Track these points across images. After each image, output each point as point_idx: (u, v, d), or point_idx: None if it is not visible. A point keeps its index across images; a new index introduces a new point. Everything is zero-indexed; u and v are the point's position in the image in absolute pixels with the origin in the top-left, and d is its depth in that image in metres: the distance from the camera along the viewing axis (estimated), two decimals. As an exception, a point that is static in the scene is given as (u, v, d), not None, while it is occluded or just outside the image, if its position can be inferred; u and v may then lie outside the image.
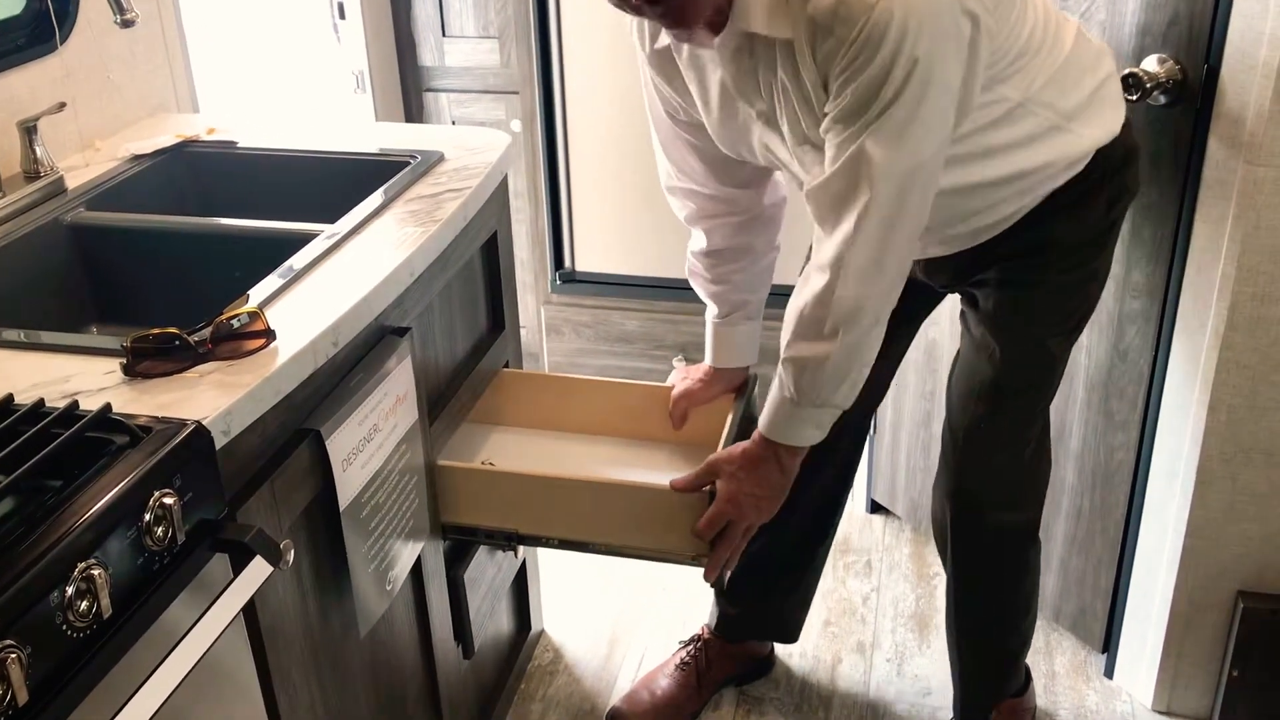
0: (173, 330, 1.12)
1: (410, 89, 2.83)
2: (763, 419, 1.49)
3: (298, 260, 1.35)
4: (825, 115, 1.31)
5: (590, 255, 2.78)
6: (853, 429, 1.70)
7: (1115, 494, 1.94)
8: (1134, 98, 1.62)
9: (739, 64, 1.39)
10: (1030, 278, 1.56)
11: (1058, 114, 1.44)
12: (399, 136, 1.87)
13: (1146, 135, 1.66)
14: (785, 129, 1.41)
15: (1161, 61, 1.62)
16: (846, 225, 1.33)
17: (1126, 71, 1.63)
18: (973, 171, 1.44)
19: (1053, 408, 1.97)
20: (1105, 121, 1.49)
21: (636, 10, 1.30)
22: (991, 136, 1.42)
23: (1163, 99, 1.63)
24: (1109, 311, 1.83)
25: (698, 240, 1.71)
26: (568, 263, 2.80)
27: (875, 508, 2.52)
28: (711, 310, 1.76)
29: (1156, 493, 1.85)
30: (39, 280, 1.50)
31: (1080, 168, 1.48)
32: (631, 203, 2.68)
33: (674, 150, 1.65)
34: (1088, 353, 1.89)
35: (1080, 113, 1.46)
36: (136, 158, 1.71)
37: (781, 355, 1.44)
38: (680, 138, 1.62)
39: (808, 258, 1.59)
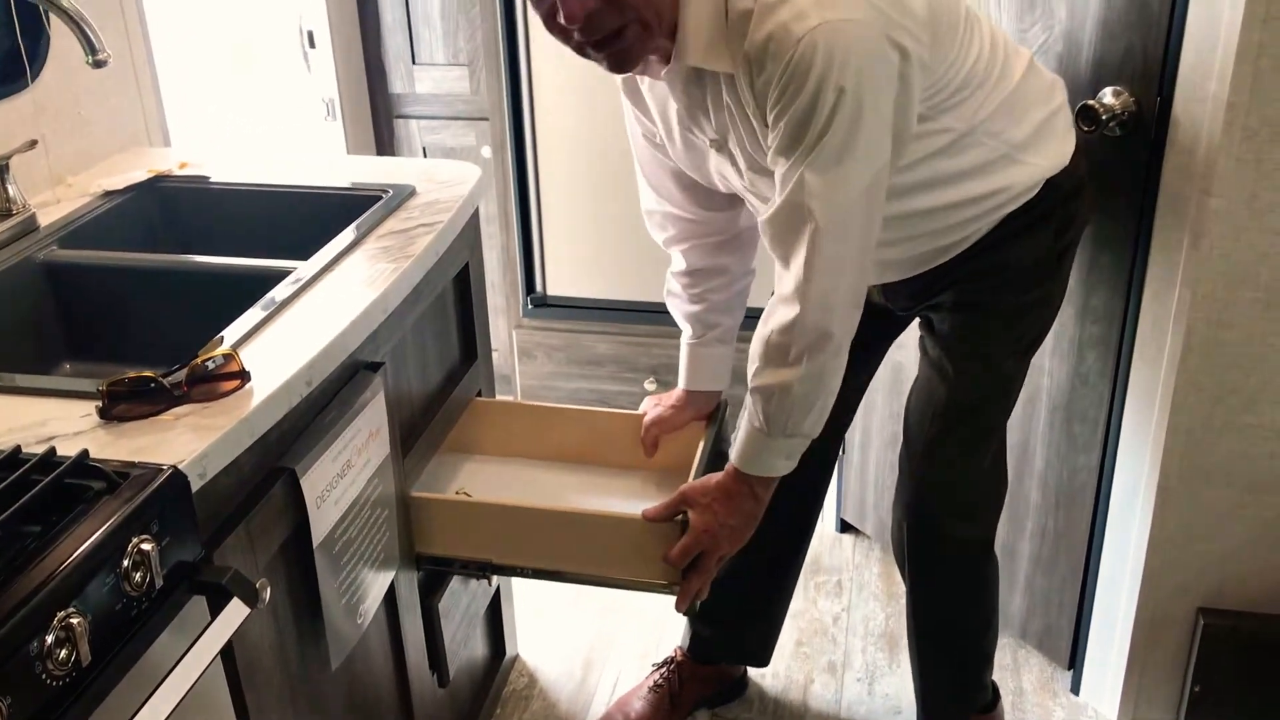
0: (148, 373, 1.14)
1: (381, 116, 2.85)
2: (734, 451, 1.52)
3: (271, 299, 1.36)
4: (769, 147, 1.36)
5: (561, 279, 2.80)
6: (819, 454, 1.72)
7: (1078, 514, 1.97)
8: (1090, 129, 1.67)
9: (690, 95, 1.43)
10: (983, 301, 1.60)
11: (1006, 144, 1.49)
12: (370, 170, 1.89)
13: (1103, 165, 1.70)
14: (738, 156, 1.46)
15: (1117, 94, 1.67)
16: (799, 256, 1.37)
17: (1083, 103, 1.67)
18: (924, 198, 1.49)
19: (1017, 430, 2.02)
20: (1055, 152, 1.54)
21: (581, 52, 1.34)
22: (940, 164, 1.47)
23: (1118, 130, 1.68)
24: (1070, 336, 1.87)
25: (676, 262, 1.75)
26: (539, 287, 2.82)
27: (845, 527, 2.55)
28: (686, 332, 1.79)
29: (1118, 512, 1.89)
30: (10, 319, 1.51)
31: (1030, 196, 1.53)
32: (602, 227, 2.70)
33: (652, 173, 1.68)
34: (1050, 376, 1.93)
35: (1030, 143, 1.51)
36: (109, 194, 1.72)
37: (750, 385, 1.47)
38: (658, 161, 1.66)
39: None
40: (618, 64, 1.37)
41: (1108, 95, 1.68)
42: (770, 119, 1.33)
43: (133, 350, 1.54)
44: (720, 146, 1.48)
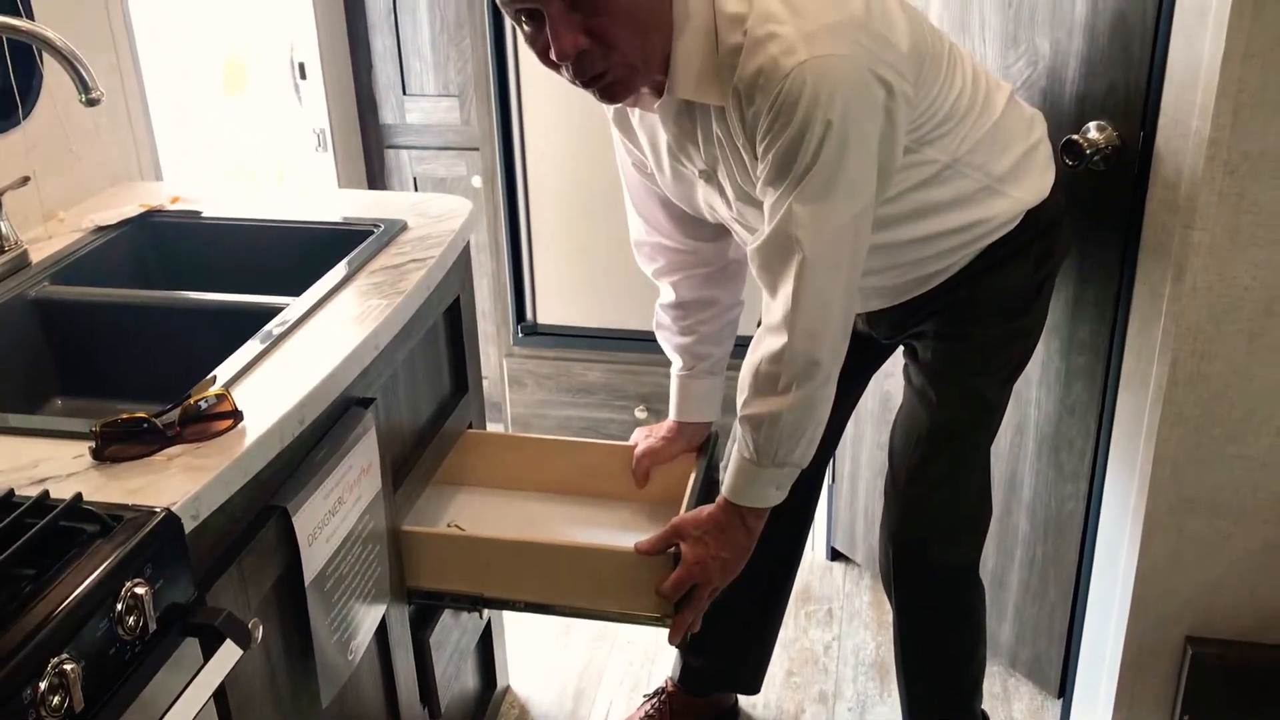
0: (141, 414, 1.14)
1: (372, 146, 2.87)
2: (726, 483, 1.53)
3: (263, 336, 1.37)
4: (758, 178, 1.38)
5: (552, 308, 2.81)
6: (806, 482, 1.74)
7: (1067, 543, 1.98)
8: (1075, 163, 1.69)
9: (680, 126, 1.45)
10: (964, 331, 1.63)
11: (988, 176, 1.52)
12: (362, 203, 1.90)
13: (1088, 199, 1.72)
14: (726, 186, 1.48)
15: (1101, 129, 1.69)
16: (786, 285, 1.39)
17: (1067, 138, 1.69)
18: (907, 229, 1.51)
19: (1005, 460, 2.03)
20: (1035, 184, 1.57)
21: (574, 83, 1.37)
22: (923, 195, 1.49)
23: (1102, 164, 1.69)
24: (1056, 368, 1.89)
25: (665, 294, 1.76)
26: (529, 315, 2.83)
27: (835, 555, 2.55)
28: (676, 364, 1.80)
29: (1106, 541, 1.90)
30: (1, 356, 1.51)
31: (1011, 227, 1.55)
32: (592, 255, 2.72)
33: (642, 204, 1.70)
34: (1037, 406, 1.95)
35: (1011, 175, 1.54)
36: (100, 229, 1.73)
37: (739, 414, 1.48)
38: (648, 190, 1.67)
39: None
40: (609, 97, 1.39)
41: (1091, 130, 1.70)
42: (759, 150, 1.35)
43: (124, 386, 1.54)
44: (709, 177, 1.50)
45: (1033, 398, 1.95)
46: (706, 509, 1.55)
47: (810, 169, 1.31)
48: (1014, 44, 1.80)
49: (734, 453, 1.52)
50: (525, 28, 1.34)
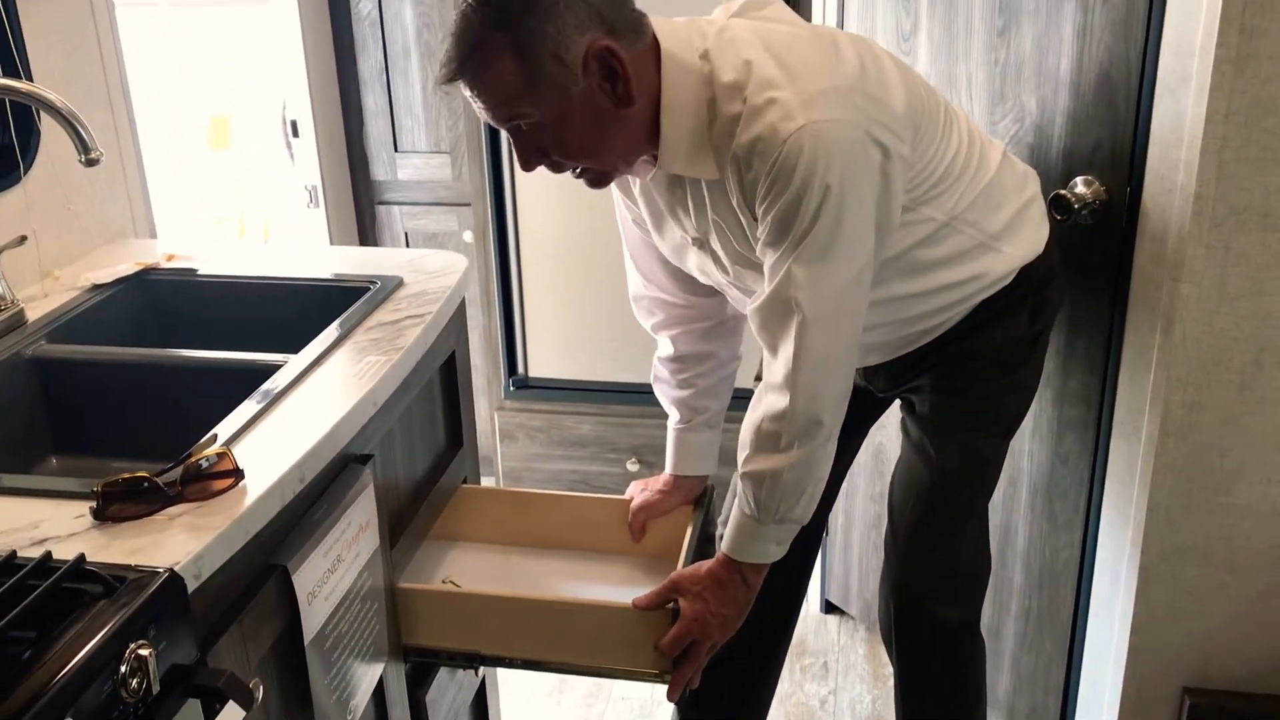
0: (142, 474, 1.14)
1: (363, 203, 2.89)
2: (726, 539, 1.53)
3: (261, 394, 1.37)
4: (758, 239, 1.39)
5: (543, 361, 2.82)
6: (804, 537, 1.75)
7: (1062, 594, 1.99)
8: (1064, 217, 1.71)
9: (673, 193, 1.48)
10: (960, 385, 1.64)
11: (983, 233, 1.54)
12: (357, 260, 1.91)
13: (1077, 252, 1.75)
14: (720, 253, 1.49)
15: (1088, 184, 1.72)
16: (787, 346, 1.40)
17: (1055, 193, 1.72)
18: (903, 285, 1.53)
19: (1000, 511, 2.04)
20: (1030, 240, 1.59)
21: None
22: (921, 253, 1.51)
23: (1090, 219, 1.72)
24: (1049, 418, 1.90)
25: (664, 347, 1.77)
26: (521, 369, 2.84)
27: (830, 608, 2.55)
28: (674, 417, 1.80)
29: (1102, 592, 1.91)
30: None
31: (1006, 283, 1.57)
32: (584, 308, 2.73)
33: (641, 259, 1.71)
34: (1030, 457, 1.96)
35: (1006, 232, 1.56)
36: (96, 287, 1.73)
37: (740, 471, 1.48)
38: (647, 245, 1.69)
39: (758, 376, 1.66)
40: (593, 186, 1.44)
41: (1079, 185, 1.73)
42: (759, 214, 1.37)
43: (120, 445, 1.54)
44: (701, 244, 1.52)
45: (1025, 449, 1.96)
46: (705, 564, 1.55)
47: (809, 232, 1.33)
48: (1000, 100, 1.83)
49: (734, 509, 1.52)
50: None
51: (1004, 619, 2.11)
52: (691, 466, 1.80)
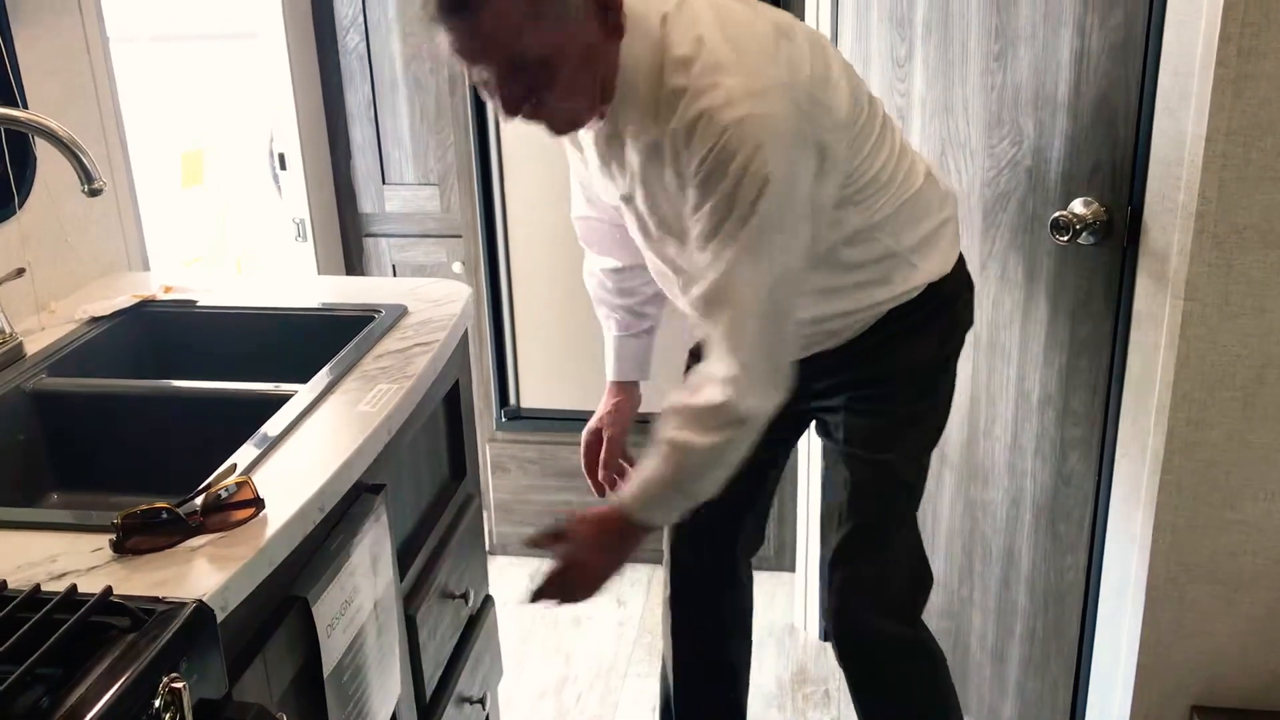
0: (162, 504, 1.12)
1: (350, 235, 2.87)
2: (630, 497, 1.48)
3: (276, 423, 1.35)
4: (693, 225, 1.39)
5: (535, 391, 2.80)
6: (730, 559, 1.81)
7: (1067, 615, 1.99)
8: (1065, 239, 1.73)
9: (609, 147, 1.49)
10: (875, 408, 1.68)
11: (899, 244, 1.58)
12: (357, 289, 1.90)
13: (1077, 272, 1.76)
14: (645, 212, 1.50)
15: (1087, 204, 1.73)
16: (723, 336, 1.40)
17: (1056, 214, 1.73)
18: (821, 279, 1.54)
19: (1002, 533, 2.04)
20: (941, 258, 1.64)
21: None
22: (841, 252, 1.55)
23: (1091, 239, 1.74)
24: (1051, 439, 1.91)
25: (604, 261, 1.80)
26: (512, 399, 2.82)
27: (829, 635, 2.53)
28: (612, 329, 1.84)
29: (1108, 612, 1.91)
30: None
31: (913, 296, 1.61)
32: (575, 338, 2.72)
33: (586, 186, 1.73)
34: (1033, 478, 1.96)
35: (920, 246, 1.61)
36: (95, 320, 1.71)
37: (664, 436, 1.44)
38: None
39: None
40: (556, 133, 1.42)
41: (1078, 205, 1.74)
42: (694, 201, 1.37)
43: (124, 479, 1.51)
44: (628, 201, 1.53)
45: (1028, 469, 1.96)
46: (596, 511, 1.51)
47: (745, 224, 1.33)
48: (998, 124, 1.85)
49: (647, 470, 1.47)
50: (473, 77, 1.36)
51: (1009, 642, 2.10)
52: (632, 372, 1.84)
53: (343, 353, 1.55)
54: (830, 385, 1.67)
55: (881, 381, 1.66)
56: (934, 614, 2.21)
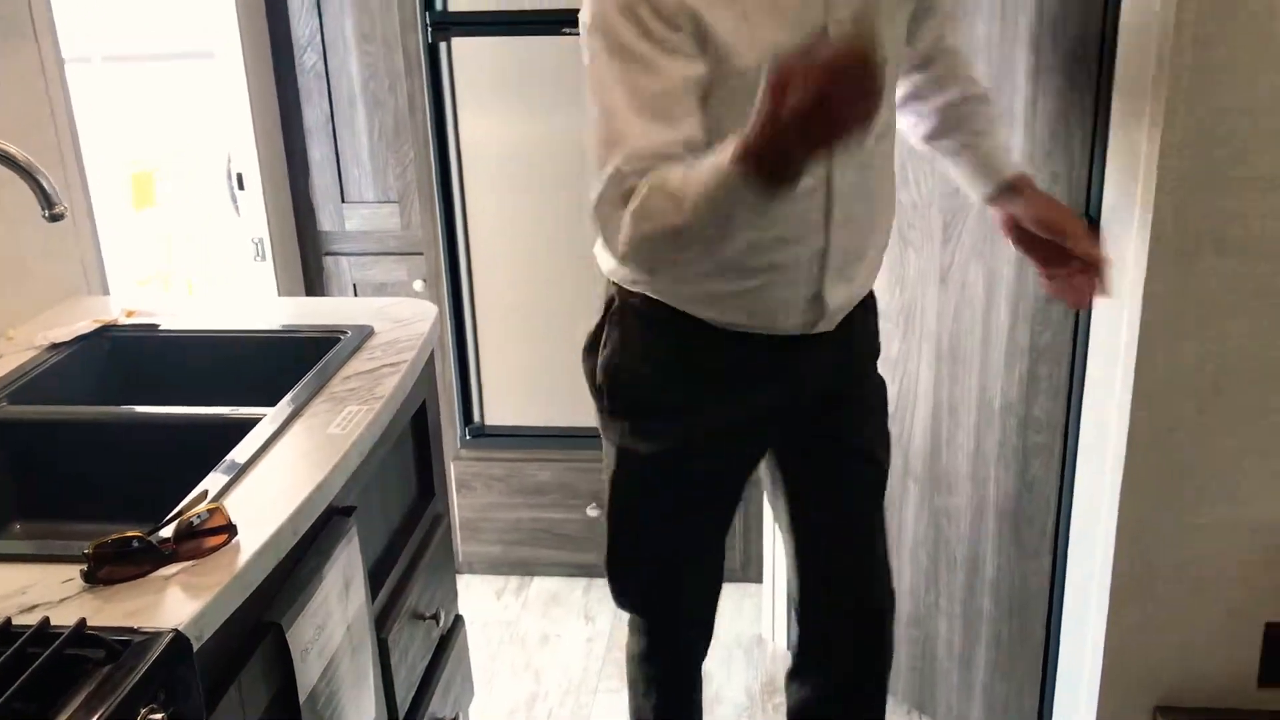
0: (133, 533, 1.11)
1: (309, 254, 2.85)
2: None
3: (245, 447, 1.34)
4: None
5: (500, 408, 2.80)
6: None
7: (1033, 620, 2.01)
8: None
9: None
10: (875, 394, 1.71)
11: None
12: (322, 310, 1.89)
13: (1038, 281, 1.79)
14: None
15: (1045, 216, 1.76)
16: None
17: (1015, 226, 1.76)
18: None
19: (965, 540, 2.07)
20: None
21: None
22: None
23: (1049, 250, 1.76)
24: (1013, 445, 1.93)
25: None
26: (477, 417, 2.81)
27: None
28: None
29: (1073, 616, 1.94)
30: (-39, 480, 1.46)
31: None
32: (540, 353, 2.72)
33: None
34: (996, 484, 1.99)
35: None
36: (55, 346, 1.68)
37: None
38: None
39: None
40: None
41: (1036, 217, 1.77)
42: None
43: (90, 508, 1.48)
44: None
45: (991, 476, 1.99)
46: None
47: None
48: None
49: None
50: None
51: (975, 647, 2.13)
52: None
53: (310, 375, 1.54)
54: (840, 367, 1.60)
55: (874, 358, 1.69)
56: (901, 622, 2.23)
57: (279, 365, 1.62)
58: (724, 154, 1.20)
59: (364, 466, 1.45)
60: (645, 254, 1.34)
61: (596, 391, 1.63)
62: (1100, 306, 1.74)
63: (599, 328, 1.59)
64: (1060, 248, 1.53)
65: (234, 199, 2.71)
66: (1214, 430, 1.70)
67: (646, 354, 1.56)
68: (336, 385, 1.53)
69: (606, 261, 1.55)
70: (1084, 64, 1.68)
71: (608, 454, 1.68)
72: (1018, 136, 1.78)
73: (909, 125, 1.65)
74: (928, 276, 1.99)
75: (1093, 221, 1.72)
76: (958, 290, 1.95)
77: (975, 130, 1.59)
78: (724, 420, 1.58)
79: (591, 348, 1.61)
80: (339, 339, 1.67)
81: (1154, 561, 1.80)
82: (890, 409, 1.74)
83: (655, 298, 1.52)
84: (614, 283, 1.56)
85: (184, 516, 1.13)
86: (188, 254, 3.24)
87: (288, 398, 1.48)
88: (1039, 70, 1.74)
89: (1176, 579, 1.81)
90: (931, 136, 1.63)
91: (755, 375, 1.55)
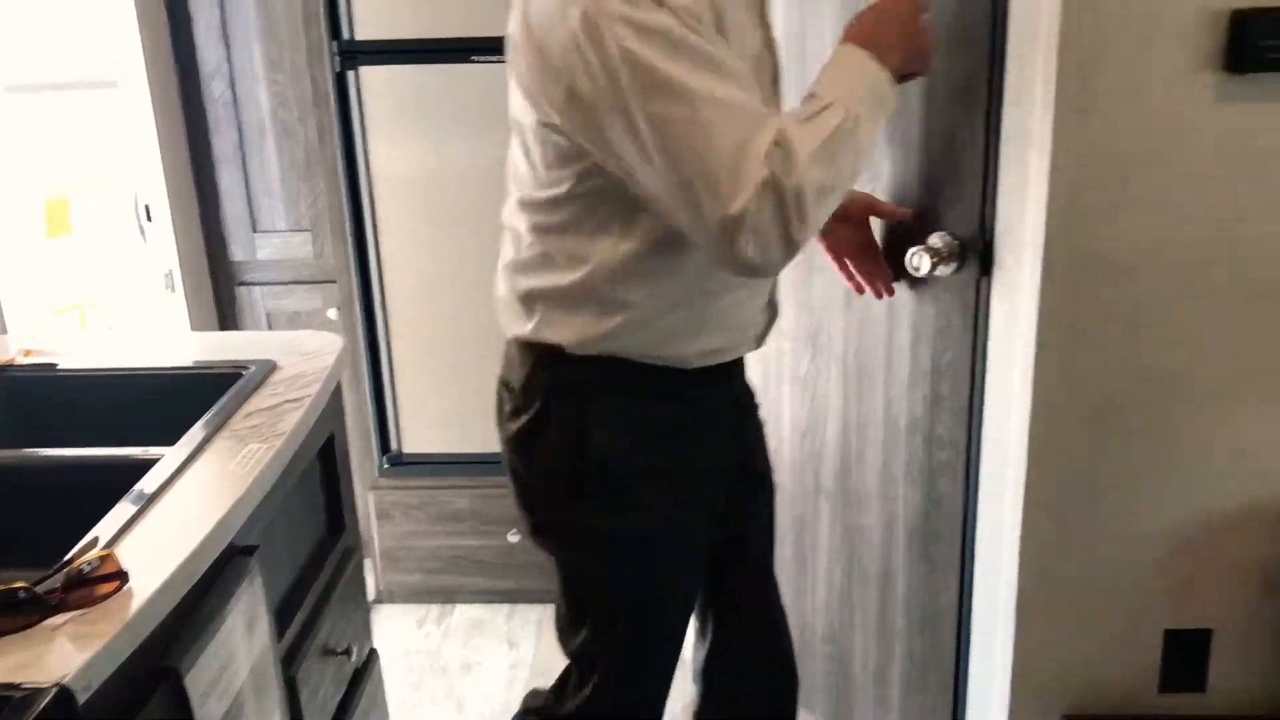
0: (19, 584, 1.08)
1: (221, 284, 2.82)
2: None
3: (142, 489, 1.33)
4: None
5: (417, 437, 2.79)
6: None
7: (944, 634, 2.05)
8: (922, 271, 1.79)
9: None
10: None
11: None
12: (226, 345, 1.87)
13: (937, 302, 1.83)
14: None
15: (943, 238, 1.80)
16: None
17: (913, 249, 1.80)
18: None
19: (877, 557, 2.10)
20: None
21: None
22: None
23: (948, 270, 1.80)
24: (920, 463, 1.97)
25: None
26: (394, 445, 2.80)
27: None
28: None
29: (982, 629, 1.97)
30: None
31: None
32: (457, 380, 2.72)
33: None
34: (904, 502, 2.02)
35: None
36: (-52, 388, 1.65)
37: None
38: None
39: None
40: None
41: (934, 239, 1.81)
42: None
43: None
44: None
45: (900, 494, 2.02)
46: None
47: None
48: (856, 163, 1.91)
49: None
50: None
51: (889, 663, 2.16)
52: None
53: (210, 413, 1.53)
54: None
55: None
56: (817, 639, 2.25)
57: (180, 404, 1.60)
58: (853, 63, 1.39)
59: (266, 504, 1.43)
60: (831, 196, 1.33)
61: (547, 478, 1.52)
62: (997, 325, 1.79)
63: (533, 412, 1.47)
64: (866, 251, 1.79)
65: (141, 230, 2.68)
66: (1108, 445, 1.75)
67: (617, 419, 1.46)
68: (238, 423, 1.52)
69: (541, 331, 1.44)
70: (974, 87, 1.72)
71: (579, 547, 1.58)
72: (914, 158, 1.82)
73: None
74: (832, 300, 2.02)
75: (988, 245, 1.76)
76: (861, 311, 1.99)
77: None
78: (705, 465, 1.57)
79: (528, 435, 1.50)
80: (240, 375, 1.66)
81: (1057, 574, 1.84)
82: (803, 428, 1.77)
83: (617, 355, 1.43)
84: (542, 357, 1.46)
85: (73, 565, 1.12)
86: (107, 282, 3.18)
87: (186, 437, 1.46)
88: (932, 93, 1.78)
89: (1079, 591, 1.85)
90: None
91: (720, 410, 1.58)
